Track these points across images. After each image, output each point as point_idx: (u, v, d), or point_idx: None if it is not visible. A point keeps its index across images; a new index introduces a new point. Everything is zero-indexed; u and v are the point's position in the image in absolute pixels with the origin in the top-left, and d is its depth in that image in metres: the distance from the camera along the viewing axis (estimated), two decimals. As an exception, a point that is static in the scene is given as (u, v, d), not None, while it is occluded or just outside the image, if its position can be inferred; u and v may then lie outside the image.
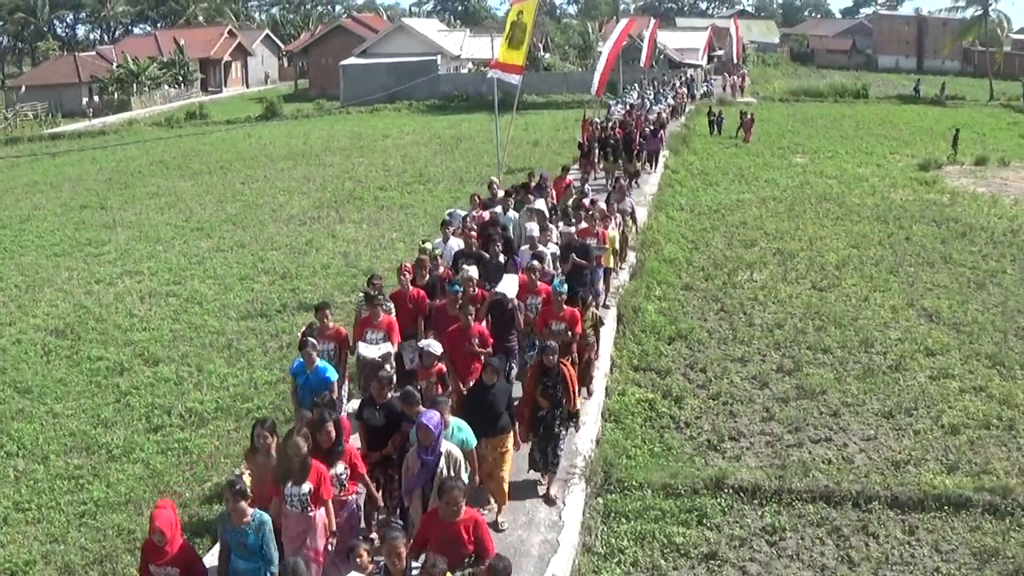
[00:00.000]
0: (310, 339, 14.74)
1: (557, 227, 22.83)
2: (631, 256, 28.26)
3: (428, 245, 20.84)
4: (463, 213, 24.56)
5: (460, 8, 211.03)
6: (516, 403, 14.49)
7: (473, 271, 18.08)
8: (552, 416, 14.39)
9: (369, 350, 15.82)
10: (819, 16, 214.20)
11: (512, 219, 24.38)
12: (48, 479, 16.77)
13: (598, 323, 19.13)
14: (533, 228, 21.45)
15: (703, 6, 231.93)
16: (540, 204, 24.97)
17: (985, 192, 41.90)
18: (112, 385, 20.95)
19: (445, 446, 11.77)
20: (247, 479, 11.74)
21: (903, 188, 42.45)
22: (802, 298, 26.12)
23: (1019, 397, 19.47)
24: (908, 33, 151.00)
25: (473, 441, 12.56)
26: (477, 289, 17.61)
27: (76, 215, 40.27)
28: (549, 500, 14.62)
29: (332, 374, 14.40)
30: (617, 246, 25.04)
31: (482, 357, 15.13)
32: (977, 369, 21.12)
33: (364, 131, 67.06)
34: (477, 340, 15.62)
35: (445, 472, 11.58)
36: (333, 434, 11.82)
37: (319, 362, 14.39)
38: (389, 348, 15.97)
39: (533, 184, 28.21)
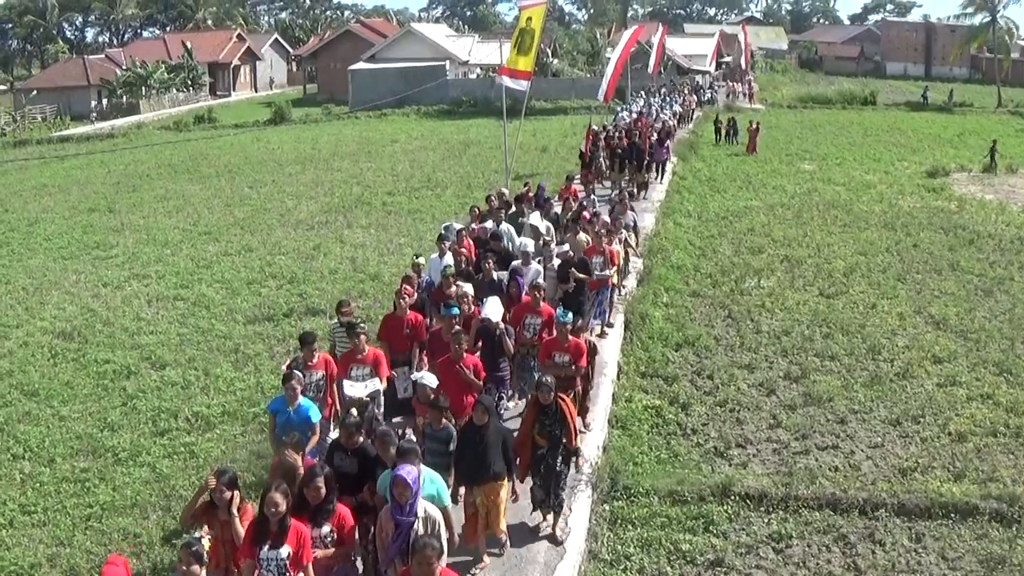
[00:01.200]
0: (296, 372, 13.70)
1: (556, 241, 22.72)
2: (639, 263, 28.20)
3: (421, 260, 20.41)
4: (459, 226, 23.46)
5: (469, 14, 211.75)
6: (514, 433, 13.51)
7: (468, 288, 17.74)
8: (553, 455, 13.53)
9: (355, 389, 14.45)
10: (827, 23, 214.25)
11: (507, 232, 23.55)
12: (54, 482, 16.77)
13: (593, 351, 17.43)
14: (527, 243, 20.97)
15: (711, 12, 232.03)
16: (535, 219, 24.34)
17: (993, 199, 41.86)
18: (119, 388, 20.96)
19: (421, 505, 10.59)
20: (206, 542, 10.60)
21: (911, 195, 42.41)
22: (809, 305, 26.09)
23: (1026, 405, 19.45)
24: (916, 40, 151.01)
25: (447, 497, 11.53)
26: (473, 307, 17.10)
27: (84, 218, 40.32)
28: (554, 540, 13.74)
29: (315, 413, 13.35)
30: (621, 262, 24.05)
31: (475, 393, 14.36)
32: (984, 376, 21.08)
33: (372, 136, 67.14)
34: (471, 371, 14.67)
35: (420, 531, 10.45)
36: (323, 491, 10.54)
37: (302, 399, 13.33)
38: (377, 385, 14.64)
39: (530, 195, 27.77)
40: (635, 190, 38.12)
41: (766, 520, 15.19)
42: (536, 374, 15.63)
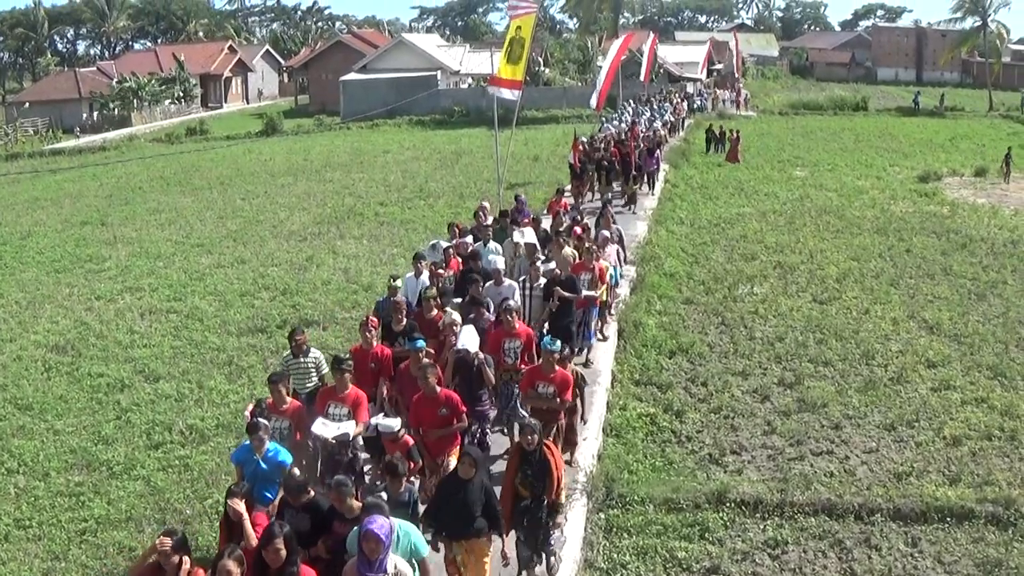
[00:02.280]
0: (261, 420, 12.38)
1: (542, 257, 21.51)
2: (631, 271, 28.20)
3: (398, 283, 18.92)
4: (446, 243, 22.25)
5: (460, 23, 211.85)
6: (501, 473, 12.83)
7: (456, 316, 16.67)
8: (537, 507, 12.28)
9: (326, 428, 13.03)
10: (818, 29, 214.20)
11: (494, 249, 22.66)
12: (49, 496, 16.74)
13: (581, 382, 16.15)
14: (496, 261, 20.31)
15: (702, 20, 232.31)
16: (519, 235, 22.94)
17: (985, 203, 41.97)
18: (113, 402, 20.92)
19: (392, 560, 9.60)
20: None
21: (903, 200, 42.48)
22: (803, 311, 26.11)
23: (1021, 408, 19.47)
24: (907, 45, 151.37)
25: (424, 547, 10.48)
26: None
27: (77, 231, 40.27)
28: None
29: (285, 456, 12.27)
30: (610, 281, 22.79)
31: (457, 432, 13.63)
32: (978, 380, 21.11)
33: (364, 146, 67.14)
34: (446, 410, 13.43)
35: None
36: (284, 552, 9.44)
37: (268, 444, 12.25)
38: (351, 429, 13.05)
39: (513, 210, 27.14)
40: (624, 203, 37.92)
41: (762, 527, 15.19)
42: (520, 408, 15.38)
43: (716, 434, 18.74)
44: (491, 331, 16.61)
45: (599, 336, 22.48)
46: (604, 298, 22.30)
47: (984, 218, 38.30)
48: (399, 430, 12.98)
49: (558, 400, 14.56)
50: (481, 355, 15.14)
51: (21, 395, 21.42)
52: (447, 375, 14.98)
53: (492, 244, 22.92)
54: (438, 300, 17.87)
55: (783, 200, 42.34)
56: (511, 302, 16.91)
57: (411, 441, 13.02)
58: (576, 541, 14.07)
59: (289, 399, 13.74)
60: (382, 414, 14.31)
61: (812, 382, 21.07)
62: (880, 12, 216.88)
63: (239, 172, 57.05)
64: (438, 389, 13.53)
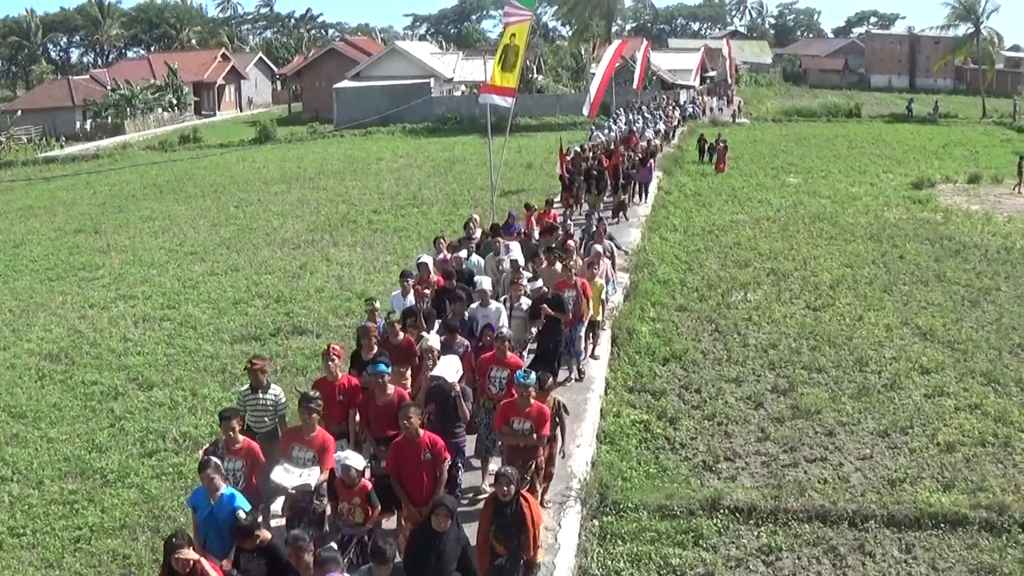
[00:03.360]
0: (213, 458, 11.51)
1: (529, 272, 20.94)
2: (624, 278, 28.21)
3: (377, 304, 17.64)
4: (426, 258, 21.06)
5: (453, 31, 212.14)
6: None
7: (434, 340, 15.50)
8: (513, 565, 11.58)
9: (287, 476, 12.04)
10: (811, 36, 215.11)
11: (476, 264, 22.16)
12: (43, 504, 16.72)
13: (562, 411, 15.18)
14: (484, 282, 18.79)
15: (695, 27, 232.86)
16: (515, 250, 22.66)
17: (978, 210, 41.98)
18: (106, 410, 20.89)
19: None
20: None
21: (896, 207, 42.50)
22: (796, 318, 26.13)
23: (1014, 414, 19.48)
24: (900, 52, 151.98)
25: None
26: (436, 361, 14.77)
27: (70, 239, 40.27)
28: None
29: (243, 502, 11.30)
30: (603, 296, 21.93)
31: (437, 472, 12.43)
32: (972, 387, 21.11)
33: (358, 154, 67.15)
34: (429, 455, 12.32)
35: None
36: None
37: (224, 489, 11.30)
38: (314, 478, 12.09)
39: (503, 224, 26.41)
40: (614, 214, 37.48)
41: (755, 533, 15.18)
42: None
43: (710, 441, 18.74)
44: (480, 357, 15.87)
45: (589, 356, 21.66)
46: (597, 316, 21.39)
47: (977, 225, 38.33)
48: (364, 468, 12.05)
49: (535, 436, 13.57)
50: (458, 388, 14.04)
51: (15, 403, 21.39)
52: (418, 401, 13.88)
53: (474, 258, 22.54)
54: (412, 323, 16.62)
55: (776, 207, 42.37)
56: (505, 330, 16.34)
57: (369, 485, 11.96)
58: (570, 548, 14.07)
59: (242, 437, 12.64)
60: (350, 449, 13.35)
61: (806, 389, 21.07)
62: (873, 19, 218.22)
63: (232, 180, 57.06)
64: (421, 432, 12.38)
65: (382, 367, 13.72)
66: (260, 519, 10.78)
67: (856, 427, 19.20)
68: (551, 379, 15.19)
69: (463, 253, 22.70)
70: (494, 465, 14.54)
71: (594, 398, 19.63)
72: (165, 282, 31.80)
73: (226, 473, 11.86)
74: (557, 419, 14.82)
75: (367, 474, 12.13)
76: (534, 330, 18.76)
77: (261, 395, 14.10)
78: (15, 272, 34.72)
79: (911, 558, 14.45)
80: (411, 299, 18.65)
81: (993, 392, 20.84)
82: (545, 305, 18.41)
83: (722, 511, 15.64)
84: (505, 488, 11.32)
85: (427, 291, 19.28)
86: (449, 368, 14.18)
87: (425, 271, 20.07)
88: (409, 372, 15.22)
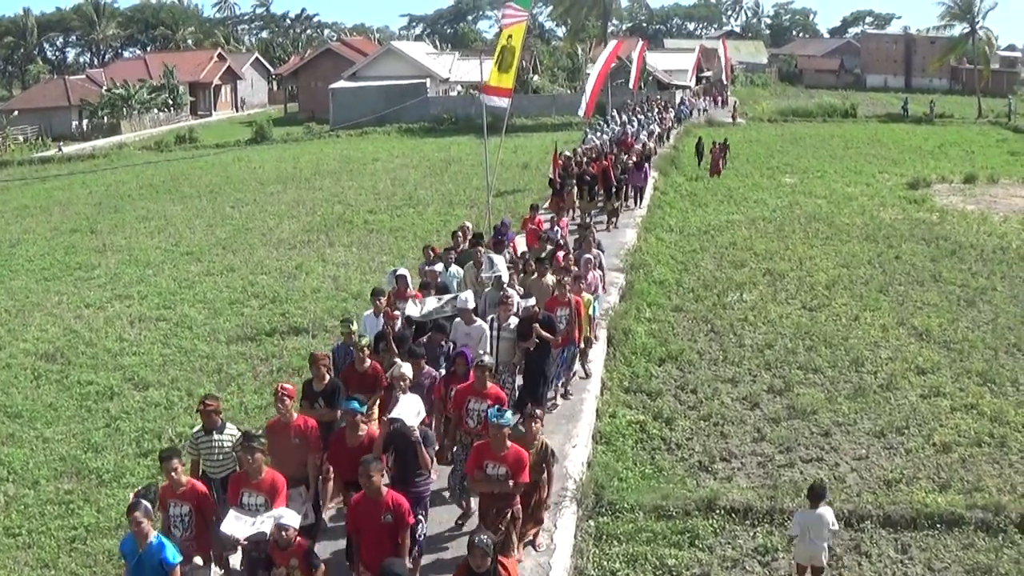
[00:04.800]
0: (143, 501, 10.62)
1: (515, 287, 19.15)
2: (620, 278, 28.21)
3: (354, 327, 16.30)
4: (403, 271, 19.67)
5: (449, 31, 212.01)
6: None
7: (407, 369, 13.99)
8: None
9: (238, 526, 11.15)
10: (807, 36, 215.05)
11: (456, 275, 20.70)
12: (38, 504, 16.72)
13: (549, 455, 13.29)
14: (467, 299, 17.29)
15: (691, 27, 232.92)
16: (500, 264, 20.86)
17: (974, 210, 41.97)
18: (102, 409, 20.89)
19: None
20: None
21: (892, 207, 42.50)
22: (792, 318, 26.13)
23: (1010, 414, 19.51)
24: (896, 52, 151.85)
25: None
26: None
27: (66, 239, 40.25)
28: None
29: (172, 555, 10.44)
30: (592, 312, 20.37)
31: (399, 538, 11.28)
32: (968, 387, 21.13)
33: (354, 154, 67.14)
34: (391, 517, 11.23)
35: None
36: None
37: (154, 536, 10.46)
38: (269, 524, 10.92)
39: (493, 232, 25.33)
40: (606, 220, 36.18)
41: (752, 534, 15.21)
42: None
43: (706, 441, 18.75)
44: (457, 387, 14.16)
45: (580, 374, 20.36)
46: (588, 332, 20.03)
47: (973, 225, 38.34)
48: (298, 525, 10.98)
49: (511, 483, 12.15)
50: (418, 433, 12.44)
51: (10, 403, 21.38)
52: (376, 447, 12.46)
53: (453, 268, 20.94)
54: (388, 345, 15.71)
55: (772, 207, 42.35)
56: (486, 357, 14.49)
57: (306, 543, 11.10)
58: (566, 549, 14.05)
59: (186, 479, 11.75)
60: (308, 499, 12.70)
61: (802, 389, 21.09)
62: (869, 19, 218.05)
63: (228, 180, 57.04)
64: (384, 491, 11.28)
65: (355, 404, 12.60)
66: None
67: (852, 427, 19.22)
68: (537, 413, 13.39)
69: (439, 267, 21.05)
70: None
71: (590, 398, 19.60)
72: (161, 282, 31.79)
73: (172, 519, 11.48)
74: (544, 465, 13.19)
75: (295, 536, 10.85)
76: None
77: (216, 436, 12.81)
78: (11, 272, 34.69)
79: (907, 558, 14.48)
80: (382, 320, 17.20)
81: (989, 392, 20.86)
82: (536, 325, 16.79)
83: (718, 511, 15.67)
84: (479, 561, 10.08)
85: (397, 313, 17.49)
86: (409, 409, 12.69)
87: (403, 284, 18.93)
88: (377, 404, 14.56)
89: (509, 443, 12.15)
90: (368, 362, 14.85)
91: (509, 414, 12.30)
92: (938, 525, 15.22)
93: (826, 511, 13.46)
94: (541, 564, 13.33)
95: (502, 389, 14.83)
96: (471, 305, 17.20)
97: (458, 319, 17.04)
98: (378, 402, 14.58)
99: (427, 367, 15.11)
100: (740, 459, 18.02)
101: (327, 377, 14.18)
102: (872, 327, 25.35)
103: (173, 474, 11.50)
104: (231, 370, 22.95)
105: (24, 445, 19.18)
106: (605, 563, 14.32)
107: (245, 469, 11.72)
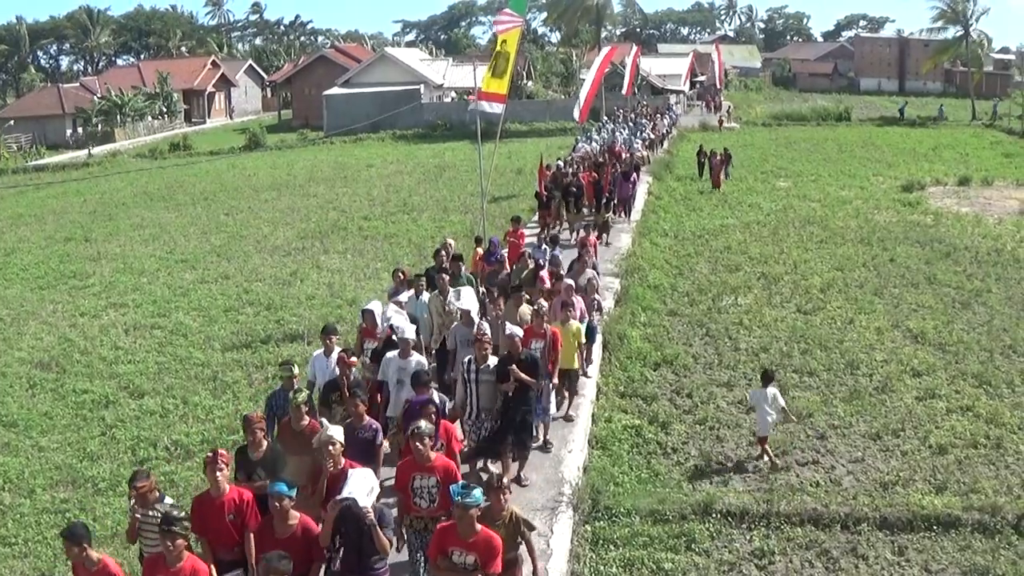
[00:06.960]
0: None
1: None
2: (615, 283, 28.22)
3: (295, 370, 14.34)
4: (373, 306, 17.61)
5: (443, 37, 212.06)
6: None
7: (336, 432, 11.76)
8: None
9: None
10: (801, 40, 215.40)
11: (424, 307, 18.86)
12: (34, 513, 16.69)
13: (522, 527, 11.09)
14: (405, 327, 15.88)
15: (684, 32, 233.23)
16: (467, 297, 18.42)
17: (968, 212, 42.00)
18: (97, 418, 20.86)
19: None
20: None
21: (886, 210, 42.52)
22: (787, 322, 26.14)
23: (1006, 416, 19.52)
24: (889, 55, 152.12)
25: None
26: (344, 462, 11.64)
27: (60, 247, 40.22)
28: None
29: None
30: (583, 339, 18.97)
31: None
32: (963, 389, 21.15)
33: (348, 161, 67.11)
34: None
35: None
36: None
37: None
38: None
39: (481, 250, 24.17)
40: (596, 233, 32.44)
41: (748, 537, 15.19)
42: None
43: (701, 445, 18.74)
44: (398, 463, 12.27)
45: (562, 417, 18.40)
46: (572, 365, 18.21)
47: (968, 227, 38.36)
48: None
49: (479, 575, 10.26)
50: (372, 514, 10.47)
51: (6, 412, 21.34)
52: (324, 534, 10.62)
53: (425, 297, 19.03)
54: (324, 404, 14.22)
55: (767, 211, 42.39)
56: (422, 423, 11.84)
57: None
58: (563, 554, 14.02)
59: (98, 558, 10.35)
60: None
61: (797, 392, 21.09)
62: (862, 22, 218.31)
63: (223, 187, 57.02)
64: None
65: (282, 487, 10.42)
66: None
67: (848, 430, 19.22)
68: (504, 483, 11.06)
69: (404, 296, 18.78)
70: None
71: (585, 403, 19.58)
72: (156, 290, 31.77)
73: None
74: (520, 539, 11.18)
75: None
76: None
77: (151, 513, 11.01)
78: (5, 280, 34.65)
79: (904, 560, 14.46)
80: (334, 359, 15.30)
81: (985, 394, 20.87)
82: (514, 367, 14.83)
83: (714, 515, 15.65)
84: None
85: (354, 360, 15.45)
86: (361, 486, 10.75)
87: (371, 322, 17.04)
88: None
89: (479, 526, 10.22)
90: (306, 420, 12.78)
91: (478, 492, 10.17)
92: (935, 527, 15.20)
93: (772, 390, 17.70)
94: (538, 569, 13.30)
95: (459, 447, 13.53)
96: (411, 336, 15.68)
97: (393, 352, 15.43)
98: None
99: (367, 418, 13.15)
100: (736, 463, 18.01)
101: (264, 443, 12.11)
102: (867, 330, 25.36)
103: (83, 555, 10.27)
104: (226, 378, 22.91)
105: (20, 454, 19.14)
106: (602, 568, 14.30)
107: (161, 553, 9.94)
